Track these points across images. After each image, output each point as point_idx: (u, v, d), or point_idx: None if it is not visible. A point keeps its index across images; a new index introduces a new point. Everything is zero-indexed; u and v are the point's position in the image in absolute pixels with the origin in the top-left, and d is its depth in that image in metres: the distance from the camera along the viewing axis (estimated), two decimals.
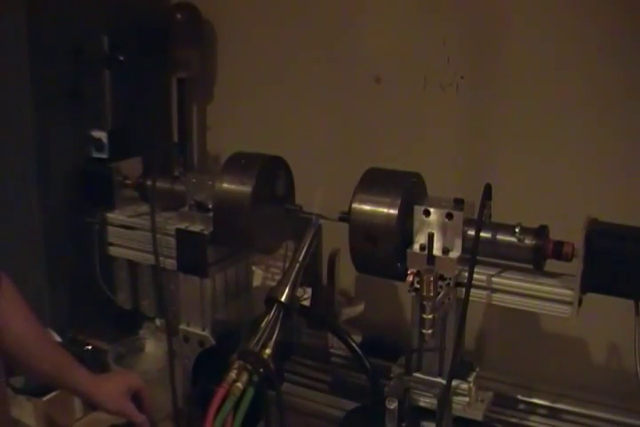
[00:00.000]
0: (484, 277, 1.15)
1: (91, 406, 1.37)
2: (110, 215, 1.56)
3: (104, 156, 1.56)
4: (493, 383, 1.39)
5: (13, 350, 1.14)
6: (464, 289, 1.12)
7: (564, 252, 1.10)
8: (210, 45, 1.80)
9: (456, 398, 1.20)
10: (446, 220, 1.15)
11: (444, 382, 1.17)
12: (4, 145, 1.52)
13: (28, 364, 1.18)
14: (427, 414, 1.21)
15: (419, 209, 1.16)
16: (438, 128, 1.58)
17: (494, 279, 1.15)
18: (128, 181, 1.56)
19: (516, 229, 1.12)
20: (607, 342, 1.49)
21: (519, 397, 1.41)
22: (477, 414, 1.20)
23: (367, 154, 1.61)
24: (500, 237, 1.15)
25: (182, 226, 1.43)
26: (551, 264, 1.14)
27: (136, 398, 1.25)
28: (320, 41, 1.66)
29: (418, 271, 1.13)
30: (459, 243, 1.15)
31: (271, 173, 1.37)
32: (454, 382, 1.17)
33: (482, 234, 1.13)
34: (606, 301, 1.09)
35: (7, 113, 1.52)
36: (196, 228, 1.42)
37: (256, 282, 1.67)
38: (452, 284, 1.14)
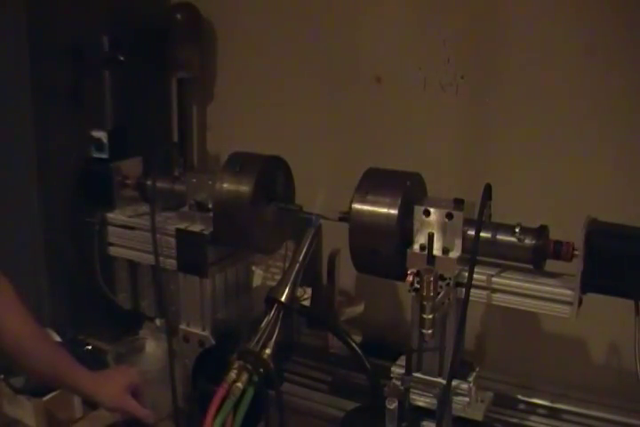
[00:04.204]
0: (483, 277, 1.15)
1: (91, 405, 1.38)
2: (110, 215, 1.56)
3: (104, 156, 1.56)
4: (493, 383, 1.39)
5: (12, 350, 1.14)
6: (464, 289, 1.12)
7: (564, 252, 1.10)
8: (210, 45, 1.80)
9: (456, 398, 1.20)
10: (446, 220, 1.15)
11: (444, 382, 1.17)
12: (5, 145, 1.52)
13: (27, 363, 1.18)
14: (427, 414, 1.21)
15: (419, 209, 1.16)
16: (438, 128, 1.58)
17: (494, 279, 1.15)
18: (128, 181, 1.56)
19: (516, 229, 1.12)
20: (607, 342, 1.49)
21: (519, 397, 1.41)
22: (477, 415, 1.20)
23: (367, 154, 1.61)
24: (500, 237, 1.14)
25: (182, 226, 1.43)
26: (551, 264, 1.14)
27: (135, 393, 1.25)
28: (320, 41, 1.66)
29: (418, 271, 1.13)
30: (459, 243, 1.15)
31: (271, 173, 1.37)
32: (454, 382, 1.17)
33: (482, 234, 1.13)
34: (606, 301, 1.09)
35: (7, 113, 1.52)
36: (196, 228, 1.42)
37: (256, 282, 1.67)
38: (451, 284, 1.14)
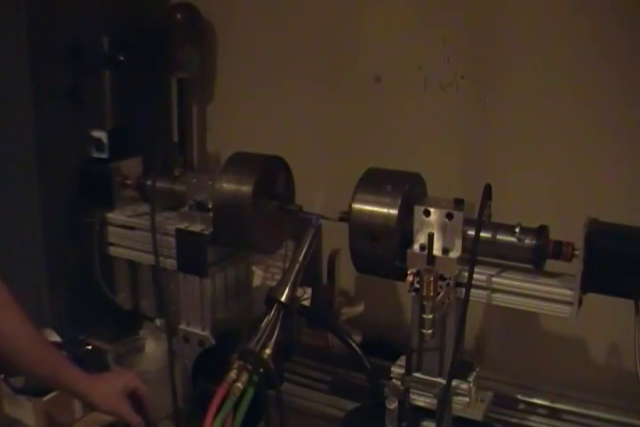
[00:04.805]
0: (483, 277, 1.15)
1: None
2: (110, 215, 1.56)
3: (104, 156, 1.56)
4: (493, 383, 1.39)
5: (5, 350, 1.14)
6: (464, 289, 1.12)
7: (564, 252, 1.10)
8: (210, 45, 1.80)
9: (456, 398, 1.20)
10: (446, 220, 1.15)
11: (444, 382, 1.17)
12: (5, 145, 1.52)
13: (22, 364, 1.17)
14: (427, 414, 1.21)
15: (419, 209, 1.16)
16: (438, 128, 1.58)
17: (494, 279, 1.15)
18: (128, 181, 1.56)
19: (516, 229, 1.12)
20: (607, 342, 1.49)
21: (519, 397, 1.41)
22: (477, 414, 1.20)
23: (367, 154, 1.61)
24: (500, 237, 1.14)
25: (182, 226, 1.43)
26: (551, 264, 1.14)
27: (135, 397, 1.24)
28: (320, 41, 1.66)
29: (418, 271, 1.13)
30: (459, 243, 1.15)
31: (271, 173, 1.37)
32: (454, 382, 1.17)
33: (482, 234, 1.12)
34: (606, 301, 1.09)
35: (7, 113, 1.52)
36: (196, 228, 1.42)
37: (256, 282, 1.67)
38: (451, 284, 1.14)
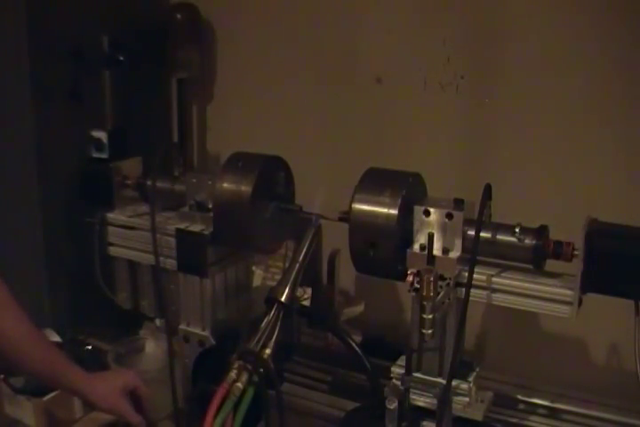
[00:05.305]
0: (483, 277, 1.15)
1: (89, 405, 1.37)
2: (110, 215, 1.56)
3: (104, 156, 1.56)
4: (493, 383, 1.39)
5: (5, 349, 1.14)
6: (464, 289, 1.12)
7: (564, 252, 1.10)
8: (210, 45, 1.80)
9: (456, 398, 1.19)
10: (446, 220, 1.15)
11: (444, 382, 1.17)
12: (5, 145, 1.52)
13: (22, 363, 1.18)
14: (427, 414, 1.21)
15: (419, 209, 1.16)
16: (438, 128, 1.58)
17: (494, 279, 1.15)
18: (128, 181, 1.56)
19: (516, 229, 1.12)
20: (607, 342, 1.49)
21: (519, 397, 1.41)
22: (477, 415, 1.20)
23: (367, 154, 1.61)
24: (500, 237, 1.14)
25: (182, 226, 1.43)
26: (551, 264, 1.14)
27: (134, 397, 1.24)
28: (320, 41, 1.66)
29: (418, 271, 1.13)
30: (459, 243, 1.15)
31: (271, 173, 1.37)
32: (454, 382, 1.17)
33: (482, 234, 1.12)
34: (606, 301, 1.09)
35: (7, 113, 1.52)
36: (196, 228, 1.42)
37: (256, 282, 1.67)
38: (451, 284, 1.14)
